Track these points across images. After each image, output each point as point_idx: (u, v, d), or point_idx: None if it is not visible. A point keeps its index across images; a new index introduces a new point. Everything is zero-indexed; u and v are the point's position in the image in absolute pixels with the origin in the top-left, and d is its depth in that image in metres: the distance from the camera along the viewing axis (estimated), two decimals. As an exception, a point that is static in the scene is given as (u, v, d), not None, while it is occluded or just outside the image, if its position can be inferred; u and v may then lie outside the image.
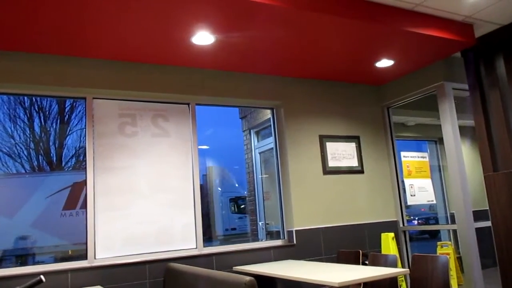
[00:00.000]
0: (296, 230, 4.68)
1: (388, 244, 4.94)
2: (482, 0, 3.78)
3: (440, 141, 6.66)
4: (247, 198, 8.00)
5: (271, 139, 5.15)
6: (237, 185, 7.82)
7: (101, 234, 3.89)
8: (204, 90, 4.52)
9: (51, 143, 5.24)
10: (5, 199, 4.17)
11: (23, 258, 4.38)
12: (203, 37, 3.76)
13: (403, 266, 5.12)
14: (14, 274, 3.43)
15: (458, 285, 4.86)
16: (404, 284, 4.85)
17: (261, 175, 6.06)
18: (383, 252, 4.97)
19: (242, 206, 7.65)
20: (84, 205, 3.95)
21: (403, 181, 5.48)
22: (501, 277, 4.26)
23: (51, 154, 5.21)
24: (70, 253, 4.44)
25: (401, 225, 5.33)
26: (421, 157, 5.69)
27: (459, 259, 4.84)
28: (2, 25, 3.30)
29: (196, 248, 4.24)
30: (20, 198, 4.31)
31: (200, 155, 4.50)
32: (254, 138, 6.33)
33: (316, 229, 4.79)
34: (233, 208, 7.32)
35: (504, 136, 4.31)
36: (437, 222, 7.56)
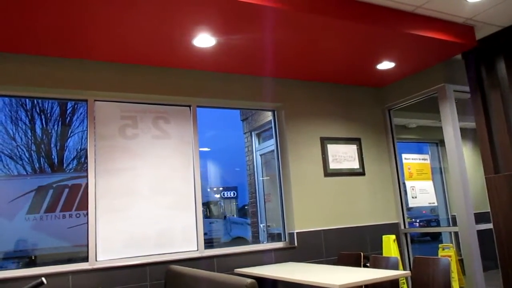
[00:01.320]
0: (297, 232, 4.67)
1: (390, 246, 4.93)
2: (483, 2, 3.78)
3: (441, 143, 6.65)
4: (219, 203, 8.05)
5: (272, 141, 5.15)
6: (209, 189, 7.85)
7: (102, 236, 3.89)
8: (205, 92, 4.53)
9: (52, 145, 5.25)
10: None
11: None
12: (204, 39, 3.77)
13: (404, 269, 5.11)
14: (15, 276, 3.44)
15: (460, 287, 4.85)
16: (405, 286, 4.85)
17: (262, 177, 6.06)
18: (384, 254, 4.96)
19: (215, 210, 7.67)
20: (50, 209, 3.92)
21: (404, 183, 5.47)
22: (503, 279, 4.25)
23: (53, 156, 5.22)
24: (33, 258, 4.39)
25: (402, 227, 5.32)
26: (422, 159, 5.69)
27: (460, 262, 4.83)
28: (3, 27, 3.31)
29: (197, 250, 4.24)
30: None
31: (201, 157, 4.50)
32: (255, 140, 6.34)
33: (317, 231, 4.78)
34: (204, 212, 7.34)
35: (506, 138, 4.31)
36: (438, 224, 7.54)
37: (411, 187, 5.47)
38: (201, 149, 4.55)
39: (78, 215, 4.44)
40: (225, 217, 8.08)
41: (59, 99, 4.10)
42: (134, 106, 4.30)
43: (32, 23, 3.26)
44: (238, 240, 7.57)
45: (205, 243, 4.24)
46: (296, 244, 4.64)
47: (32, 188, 4.41)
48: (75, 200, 4.48)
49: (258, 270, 4.00)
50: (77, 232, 4.40)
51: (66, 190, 4.51)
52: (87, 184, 3.92)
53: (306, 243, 4.69)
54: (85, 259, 3.81)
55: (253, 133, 6.38)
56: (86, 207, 3.91)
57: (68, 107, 5.42)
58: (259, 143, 6.29)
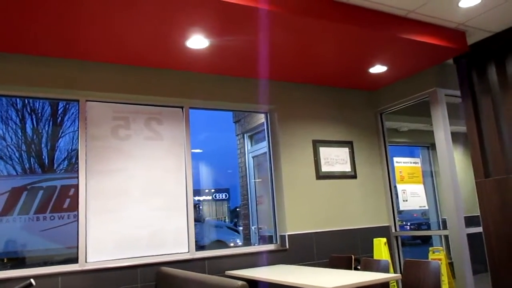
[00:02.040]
0: (288, 235, 4.67)
1: (380, 249, 4.95)
2: (475, 7, 3.82)
3: (432, 146, 6.68)
4: (198, 206, 7.97)
5: (265, 143, 5.15)
6: None
7: (93, 237, 3.86)
8: (198, 93, 4.52)
9: (43, 145, 5.20)
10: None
11: None
12: (197, 41, 3.76)
13: (395, 271, 5.13)
14: (4, 278, 3.40)
15: (450, 290, 4.87)
16: (396, 289, 4.86)
17: (254, 179, 6.06)
18: (375, 257, 4.98)
19: (194, 213, 7.59)
20: (23, 211, 3.88)
21: (395, 187, 5.50)
22: (492, 282, 4.28)
23: (43, 156, 5.17)
24: (5, 261, 4.32)
25: (393, 230, 5.35)
26: (414, 162, 5.72)
27: (450, 265, 4.86)
28: (-5, 26, 3.28)
29: (188, 252, 4.23)
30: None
31: (193, 159, 4.49)
32: (247, 142, 6.34)
33: (308, 234, 4.79)
34: None
35: (496, 142, 4.34)
36: (429, 228, 7.59)
37: (402, 190, 5.50)
38: (193, 150, 4.54)
39: (52, 218, 4.37)
40: (203, 220, 8.04)
41: (51, 99, 4.07)
42: (127, 107, 4.28)
43: (25, 23, 3.24)
44: (217, 244, 7.52)
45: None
46: (287, 246, 4.64)
47: (6, 189, 4.30)
48: (50, 202, 4.40)
49: (249, 272, 4.00)
50: (51, 235, 4.31)
51: (41, 192, 4.43)
52: (62, 186, 3.87)
53: (297, 246, 4.69)
54: (67, 261, 3.78)
55: (245, 135, 6.38)
56: (61, 210, 3.87)
57: (59, 107, 5.37)
58: (251, 145, 6.29)
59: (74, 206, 4.05)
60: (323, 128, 5.21)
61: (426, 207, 5.88)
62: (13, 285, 3.37)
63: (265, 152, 5.15)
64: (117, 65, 4.17)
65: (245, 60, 4.32)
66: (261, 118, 5.34)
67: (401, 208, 5.48)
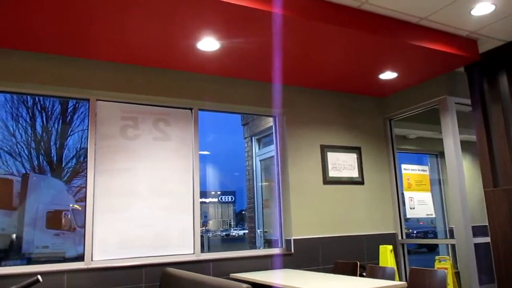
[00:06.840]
0: (294, 239, 4.66)
1: (386, 256, 4.92)
2: (487, 16, 3.80)
3: (441, 155, 6.65)
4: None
5: (272, 147, 5.15)
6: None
7: (99, 236, 3.88)
8: (207, 95, 4.53)
9: (52, 143, 5.24)
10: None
11: None
12: (208, 43, 3.78)
13: (400, 280, 5.09)
14: (11, 273, 3.42)
15: (455, 300, 4.83)
16: (401, 297, 4.82)
17: (261, 182, 6.06)
18: (381, 264, 4.95)
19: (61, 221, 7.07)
20: None
21: (403, 194, 5.47)
22: (499, 293, 4.24)
23: (52, 154, 5.20)
24: None
25: (399, 238, 5.31)
26: (422, 170, 5.69)
27: (457, 274, 4.82)
28: (9, 24, 3.32)
29: (193, 253, 4.23)
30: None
31: (200, 160, 4.50)
32: (255, 145, 6.34)
33: (314, 239, 4.77)
34: (49, 223, 6.40)
35: (505, 152, 4.31)
36: (435, 236, 7.53)
37: (410, 198, 5.47)
38: (200, 152, 4.55)
39: None
40: (73, 229, 7.46)
41: (62, 97, 4.10)
42: (136, 107, 4.30)
43: (38, 20, 3.27)
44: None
45: (38, 257, 4.16)
46: (293, 251, 4.63)
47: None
48: None
49: (253, 275, 3.99)
50: None
51: None
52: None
53: (302, 250, 4.68)
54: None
55: (253, 138, 6.38)
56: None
57: (69, 106, 5.42)
58: (259, 149, 6.28)
59: None
60: (331, 133, 5.20)
61: (433, 215, 5.84)
62: (20, 281, 3.39)
63: (273, 156, 5.15)
64: (128, 66, 4.20)
65: (255, 63, 4.33)
66: (270, 122, 5.34)
67: (408, 216, 5.45)
